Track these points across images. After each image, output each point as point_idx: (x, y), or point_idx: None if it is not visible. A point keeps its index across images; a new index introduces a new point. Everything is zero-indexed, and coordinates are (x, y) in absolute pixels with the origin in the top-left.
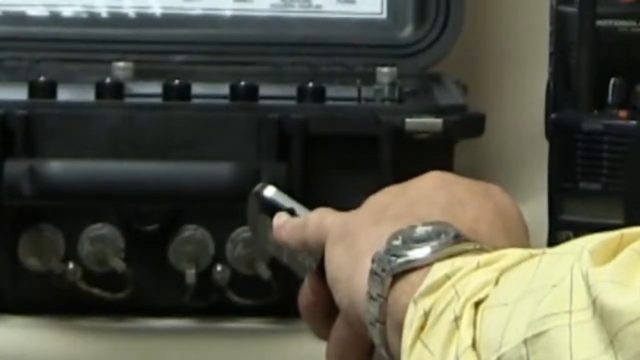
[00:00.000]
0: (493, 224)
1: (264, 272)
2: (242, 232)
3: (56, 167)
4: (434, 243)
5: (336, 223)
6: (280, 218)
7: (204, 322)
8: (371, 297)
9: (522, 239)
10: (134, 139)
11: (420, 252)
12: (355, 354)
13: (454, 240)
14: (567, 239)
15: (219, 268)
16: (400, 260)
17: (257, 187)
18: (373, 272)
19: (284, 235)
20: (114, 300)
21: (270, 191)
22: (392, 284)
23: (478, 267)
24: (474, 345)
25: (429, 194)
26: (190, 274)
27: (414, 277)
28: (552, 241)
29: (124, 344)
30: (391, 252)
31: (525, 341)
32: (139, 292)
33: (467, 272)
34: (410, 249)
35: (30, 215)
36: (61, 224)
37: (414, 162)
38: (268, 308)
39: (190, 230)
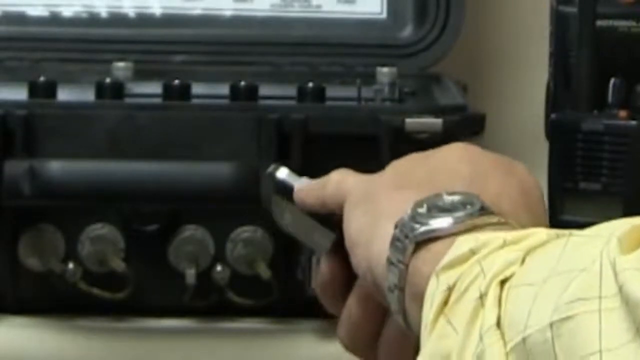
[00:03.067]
0: (515, 200)
1: (264, 272)
2: (242, 232)
3: (56, 167)
4: (459, 214)
5: (358, 185)
6: (300, 186)
7: (204, 322)
8: (391, 263)
9: (543, 218)
10: (134, 139)
11: (444, 222)
12: (365, 333)
13: (479, 212)
14: None
15: (219, 268)
16: (423, 228)
17: (270, 169)
18: (395, 238)
19: (303, 196)
20: (114, 300)
21: (283, 173)
22: (414, 251)
23: (504, 244)
24: (498, 324)
25: (452, 165)
26: (190, 274)
27: (436, 246)
28: None
29: (124, 344)
30: (415, 219)
31: (551, 324)
32: (139, 292)
33: (493, 249)
34: (434, 217)
35: (30, 215)
36: (61, 224)
37: None
38: (268, 308)
39: (190, 230)
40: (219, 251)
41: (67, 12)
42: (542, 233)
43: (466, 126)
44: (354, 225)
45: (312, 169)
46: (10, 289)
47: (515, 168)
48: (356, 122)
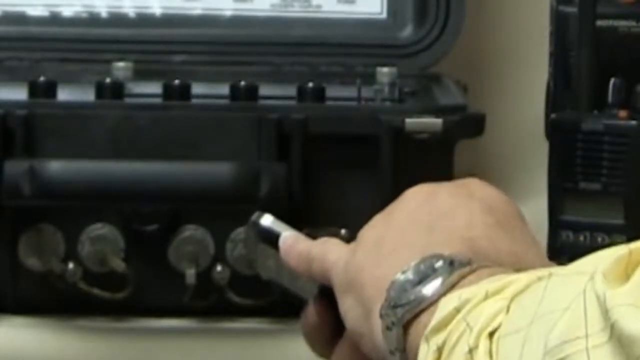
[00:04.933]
0: (486, 223)
1: None
2: (242, 232)
3: (56, 167)
4: (431, 281)
5: (338, 265)
6: (285, 242)
7: (204, 322)
8: (391, 352)
9: (518, 226)
10: (134, 139)
11: (422, 294)
12: None
13: (449, 271)
14: (567, 239)
15: (219, 268)
16: (405, 309)
17: (254, 217)
18: (385, 328)
19: (293, 264)
20: (114, 300)
21: (267, 220)
22: (405, 332)
23: (487, 296)
24: None
25: (414, 215)
26: (190, 274)
27: (424, 317)
28: (552, 241)
29: (124, 344)
30: (392, 303)
31: None
32: (139, 292)
33: (477, 303)
34: (410, 294)
35: (30, 215)
36: (61, 224)
37: (414, 162)
38: (268, 308)
39: (190, 230)
40: (219, 251)
41: (67, 12)
42: (523, 279)
43: (466, 126)
44: (350, 317)
45: (312, 169)
46: (10, 289)
47: (474, 188)
48: (356, 122)
